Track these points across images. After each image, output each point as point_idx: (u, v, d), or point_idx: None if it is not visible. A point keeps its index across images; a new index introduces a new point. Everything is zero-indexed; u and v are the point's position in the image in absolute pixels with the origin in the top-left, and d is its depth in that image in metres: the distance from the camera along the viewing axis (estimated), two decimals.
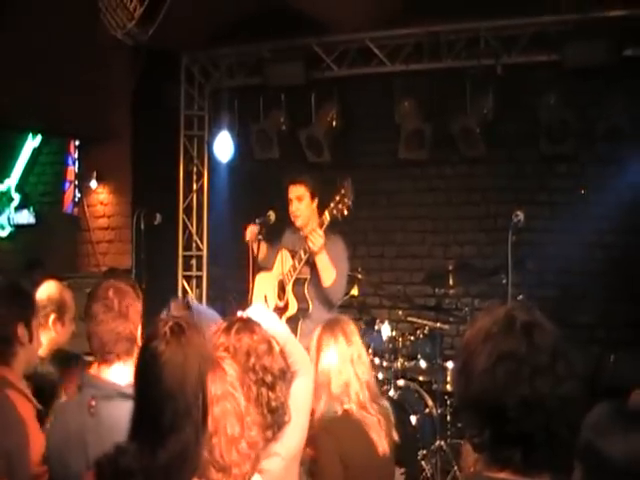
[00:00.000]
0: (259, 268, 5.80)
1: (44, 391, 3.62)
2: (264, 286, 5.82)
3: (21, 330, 3.29)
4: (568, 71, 7.42)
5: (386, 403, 3.99)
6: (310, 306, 5.58)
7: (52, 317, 4.20)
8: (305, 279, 5.62)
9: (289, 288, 5.65)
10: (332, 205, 5.30)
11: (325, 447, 3.59)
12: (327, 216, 5.32)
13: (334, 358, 3.73)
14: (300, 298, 5.61)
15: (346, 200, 5.25)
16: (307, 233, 5.42)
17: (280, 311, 5.55)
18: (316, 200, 5.72)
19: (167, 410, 2.22)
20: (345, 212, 5.28)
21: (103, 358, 3.09)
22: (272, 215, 5.76)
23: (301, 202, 5.68)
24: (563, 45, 7.33)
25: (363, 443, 3.65)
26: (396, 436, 3.86)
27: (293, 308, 5.62)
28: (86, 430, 2.94)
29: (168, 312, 3.20)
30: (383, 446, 3.72)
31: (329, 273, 5.45)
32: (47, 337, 4.15)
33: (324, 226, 5.36)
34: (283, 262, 5.71)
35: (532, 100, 7.71)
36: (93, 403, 2.97)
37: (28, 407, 3.20)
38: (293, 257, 5.63)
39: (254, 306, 3.45)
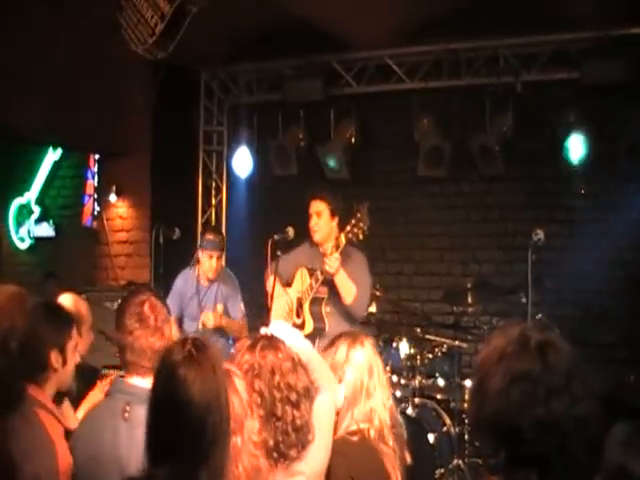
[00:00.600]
0: (279, 283, 5.78)
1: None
2: (283, 302, 5.81)
3: (55, 356, 3.25)
4: (587, 88, 7.41)
5: (400, 423, 3.83)
6: (327, 326, 5.56)
7: None
8: (322, 298, 5.62)
9: (306, 307, 5.66)
10: (348, 228, 5.30)
11: (338, 472, 3.51)
12: (343, 239, 5.33)
13: (364, 368, 3.55)
14: (316, 317, 5.61)
15: (361, 224, 5.25)
16: (325, 252, 5.43)
17: (296, 329, 5.52)
18: (336, 218, 5.71)
19: (205, 430, 2.22)
20: (360, 236, 5.29)
21: (137, 371, 3.11)
22: (291, 231, 5.77)
23: (320, 218, 5.69)
24: (583, 63, 7.33)
25: (377, 474, 3.47)
26: (408, 459, 3.68)
27: (309, 327, 5.62)
28: (119, 434, 2.95)
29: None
30: (397, 478, 3.55)
31: (349, 291, 5.46)
32: None
33: (340, 249, 5.37)
34: (302, 280, 5.73)
35: (551, 118, 7.68)
36: (127, 408, 2.98)
37: (57, 427, 3.17)
38: (311, 275, 5.64)
39: (277, 323, 3.44)
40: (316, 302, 5.63)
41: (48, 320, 3.31)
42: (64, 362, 3.30)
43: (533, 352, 1.83)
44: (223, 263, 6.93)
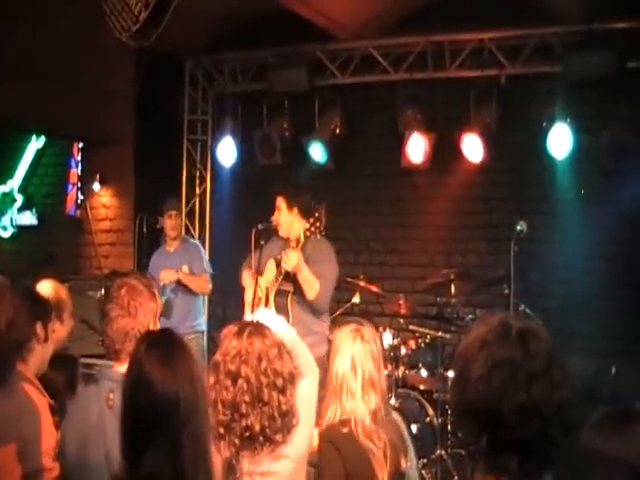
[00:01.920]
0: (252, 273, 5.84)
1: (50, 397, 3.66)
2: (251, 292, 5.86)
3: (40, 328, 3.45)
4: (571, 82, 7.44)
5: (398, 424, 3.84)
6: (290, 318, 5.56)
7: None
8: (287, 292, 5.71)
9: (271, 298, 5.75)
10: (307, 226, 5.39)
11: (330, 457, 3.52)
12: (302, 236, 5.43)
13: (348, 364, 3.61)
14: (282, 309, 5.61)
15: (318, 224, 5.35)
16: (291, 247, 5.48)
17: None
18: (295, 212, 5.77)
19: (172, 423, 2.27)
20: (318, 235, 5.41)
21: (114, 356, 3.16)
22: (274, 220, 5.83)
23: (280, 212, 5.81)
24: (567, 56, 7.37)
25: (365, 470, 3.52)
26: (404, 464, 3.68)
27: None
28: (105, 421, 2.99)
29: None
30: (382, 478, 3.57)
31: (312, 286, 5.57)
32: None
33: (299, 245, 5.46)
34: (270, 270, 5.82)
35: (535, 110, 7.71)
36: (111, 396, 3.01)
37: (43, 400, 3.26)
38: (277, 267, 5.73)
39: (262, 310, 3.48)
40: (281, 294, 5.73)
41: (31, 298, 3.51)
42: (46, 338, 3.47)
43: (514, 339, 1.86)
44: (183, 231, 7.59)
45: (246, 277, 5.95)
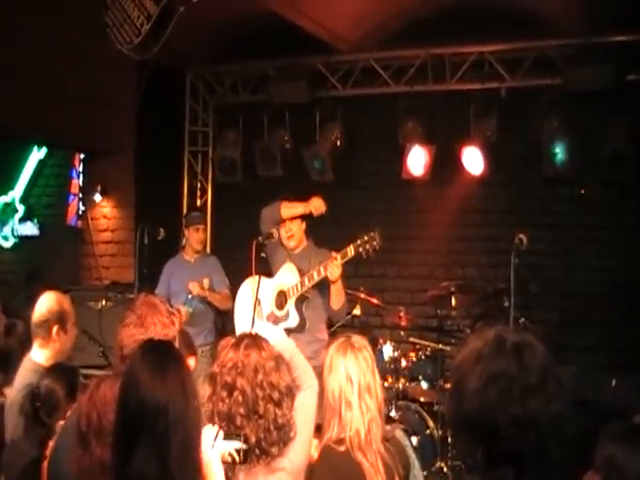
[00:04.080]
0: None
1: (50, 407, 3.67)
2: (262, 291, 5.85)
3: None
4: (571, 95, 7.46)
5: (401, 440, 3.77)
6: (307, 324, 5.75)
7: (55, 329, 4.33)
8: (307, 297, 5.78)
9: (292, 301, 5.75)
10: (359, 242, 5.42)
11: (323, 478, 3.46)
12: (351, 250, 5.44)
13: (343, 377, 3.55)
14: (300, 314, 5.76)
15: (375, 244, 5.39)
16: (327, 263, 5.50)
17: (277, 320, 5.64)
18: (304, 223, 5.97)
19: (158, 428, 2.31)
20: (370, 253, 5.43)
21: (120, 361, 3.16)
22: (276, 233, 5.91)
23: (293, 223, 5.91)
24: (566, 69, 7.40)
25: None
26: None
27: (294, 321, 5.75)
28: None
29: None
30: None
31: (341, 297, 5.70)
32: (52, 348, 4.32)
33: (345, 259, 5.49)
34: (290, 274, 5.82)
35: (535, 123, 7.73)
36: None
37: None
38: (302, 274, 5.74)
39: (261, 323, 3.47)
40: (301, 299, 5.77)
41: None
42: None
43: (509, 352, 1.86)
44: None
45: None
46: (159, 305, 3.29)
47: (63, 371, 3.93)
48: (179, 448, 2.30)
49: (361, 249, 5.41)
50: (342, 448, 3.46)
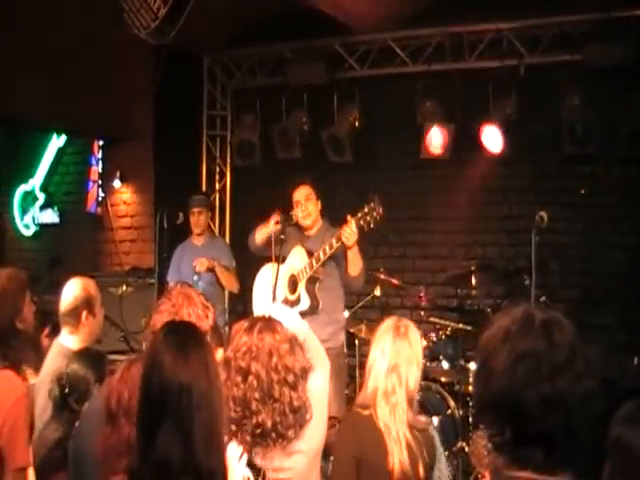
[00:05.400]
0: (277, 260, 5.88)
1: (78, 392, 3.71)
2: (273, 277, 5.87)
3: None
4: (590, 71, 7.38)
5: (431, 433, 3.74)
6: (320, 304, 5.75)
7: (84, 314, 4.39)
8: (317, 278, 5.76)
9: (302, 285, 5.75)
10: (359, 215, 5.33)
11: (344, 446, 3.53)
12: (353, 224, 5.33)
13: (379, 352, 3.59)
14: (311, 296, 5.75)
15: (375, 214, 5.28)
16: (341, 230, 5.43)
17: (291, 304, 5.65)
18: (319, 201, 6.01)
19: (182, 410, 2.29)
20: (371, 225, 5.32)
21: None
22: (295, 215, 5.91)
23: (309, 202, 5.95)
24: (585, 45, 7.31)
25: (379, 453, 3.48)
26: (422, 473, 3.54)
27: (305, 304, 5.74)
28: None
29: None
30: (398, 472, 3.47)
31: (358, 263, 5.62)
32: (82, 333, 4.39)
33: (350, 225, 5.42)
34: (299, 258, 5.82)
35: (554, 100, 7.66)
36: None
37: None
38: (310, 256, 5.72)
39: (274, 305, 3.47)
40: (312, 281, 5.76)
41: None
42: None
43: (537, 330, 1.84)
44: (210, 224, 7.66)
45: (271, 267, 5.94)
46: (194, 297, 3.32)
47: (91, 357, 3.96)
48: (203, 430, 2.28)
49: (362, 222, 5.30)
50: (366, 412, 3.52)
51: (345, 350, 6.33)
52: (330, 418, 3.36)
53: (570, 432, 1.81)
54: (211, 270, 7.12)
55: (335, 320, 5.86)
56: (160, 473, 2.25)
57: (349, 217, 5.38)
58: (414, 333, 3.69)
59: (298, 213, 5.93)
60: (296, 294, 5.77)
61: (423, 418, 3.78)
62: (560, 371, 1.80)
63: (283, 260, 5.75)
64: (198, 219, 7.38)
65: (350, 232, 5.33)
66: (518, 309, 1.91)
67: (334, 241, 5.49)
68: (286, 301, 5.72)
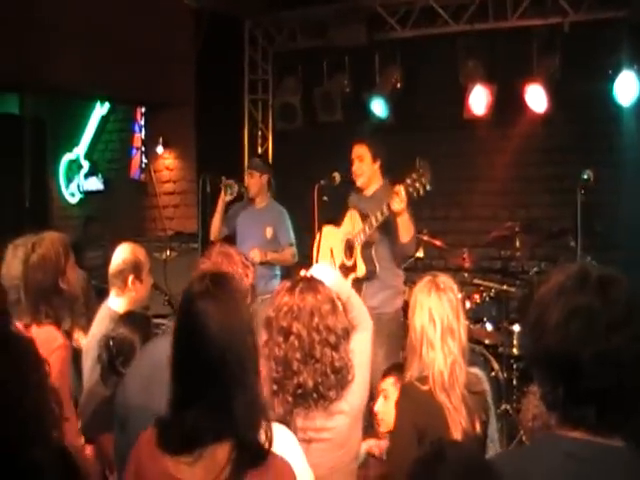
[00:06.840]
0: (325, 223, 5.86)
1: (125, 355, 3.77)
2: (331, 241, 5.86)
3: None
4: (636, 27, 7.23)
5: (483, 385, 3.69)
6: (377, 268, 5.66)
7: (131, 278, 4.46)
8: (373, 242, 5.67)
9: (357, 250, 5.69)
10: (408, 181, 5.21)
11: (404, 416, 3.44)
12: (402, 192, 5.19)
13: (426, 317, 3.46)
14: (368, 261, 5.66)
15: (423, 180, 5.17)
16: (390, 200, 5.30)
17: (347, 270, 5.62)
18: (378, 162, 5.85)
19: (228, 365, 2.14)
20: (421, 192, 5.20)
21: None
22: (337, 176, 5.91)
23: (362, 162, 5.82)
24: (630, 1, 7.16)
25: (440, 427, 3.38)
26: (480, 424, 3.49)
27: (361, 270, 5.67)
28: None
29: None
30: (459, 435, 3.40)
31: (409, 229, 5.50)
32: (129, 296, 4.46)
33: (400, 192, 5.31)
34: (353, 222, 5.78)
35: (600, 58, 7.53)
36: None
37: None
38: (363, 220, 5.66)
39: (317, 265, 3.46)
40: (367, 245, 5.66)
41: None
42: None
43: (593, 286, 1.80)
44: (267, 191, 7.38)
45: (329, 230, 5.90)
46: (234, 256, 3.30)
47: (137, 321, 4.01)
48: (245, 393, 2.14)
49: (411, 189, 5.18)
50: (425, 387, 3.41)
51: (402, 317, 5.87)
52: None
53: (624, 390, 1.77)
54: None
55: (389, 285, 5.75)
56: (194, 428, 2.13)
57: (397, 185, 5.27)
58: (451, 284, 3.59)
59: (355, 170, 5.83)
60: (352, 260, 5.71)
61: (474, 370, 3.73)
62: (616, 328, 1.76)
63: (333, 221, 5.73)
64: (249, 182, 7.30)
65: (400, 200, 5.23)
66: (574, 265, 1.89)
67: (385, 208, 5.40)
68: (343, 266, 5.66)
